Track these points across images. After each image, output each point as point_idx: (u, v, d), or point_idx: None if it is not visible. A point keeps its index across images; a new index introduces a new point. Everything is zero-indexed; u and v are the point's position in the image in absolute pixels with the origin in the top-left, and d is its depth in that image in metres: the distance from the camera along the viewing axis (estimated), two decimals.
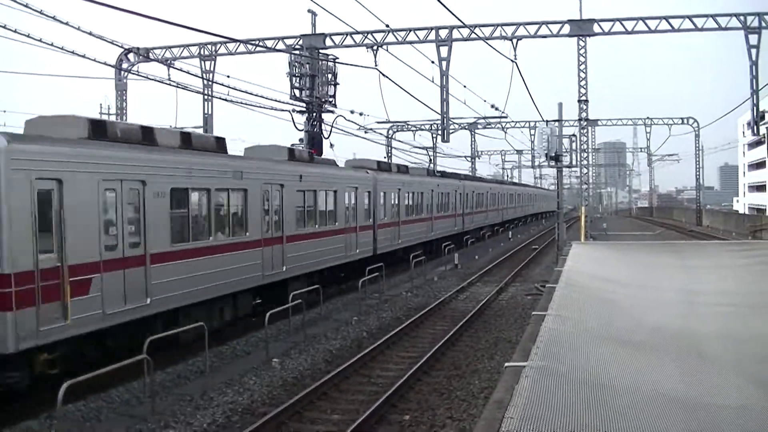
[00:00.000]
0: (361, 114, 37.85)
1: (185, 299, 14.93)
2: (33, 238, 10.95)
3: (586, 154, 45.57)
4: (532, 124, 65.62)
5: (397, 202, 29.84)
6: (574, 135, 33.82)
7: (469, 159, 76.34)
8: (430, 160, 57.79)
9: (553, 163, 30.69)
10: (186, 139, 16.10)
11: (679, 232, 62.11)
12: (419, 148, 56.19)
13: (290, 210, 19.73)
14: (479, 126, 63.52)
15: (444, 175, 42.83)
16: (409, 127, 61.22)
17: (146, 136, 14.79)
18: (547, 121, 32.45)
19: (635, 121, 69.64)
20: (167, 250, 14.35)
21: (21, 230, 10.77)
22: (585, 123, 42.20)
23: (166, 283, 14.18)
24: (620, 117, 68.40)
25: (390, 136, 60.22)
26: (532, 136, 66.47)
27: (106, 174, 12.68)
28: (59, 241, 11.49)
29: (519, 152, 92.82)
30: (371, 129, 48.12)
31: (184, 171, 15.03)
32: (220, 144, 17.41)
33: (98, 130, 13.46)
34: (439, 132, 36.53)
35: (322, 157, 27.57)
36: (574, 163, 33.59)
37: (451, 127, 47.04)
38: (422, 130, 61.28)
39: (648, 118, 68.78)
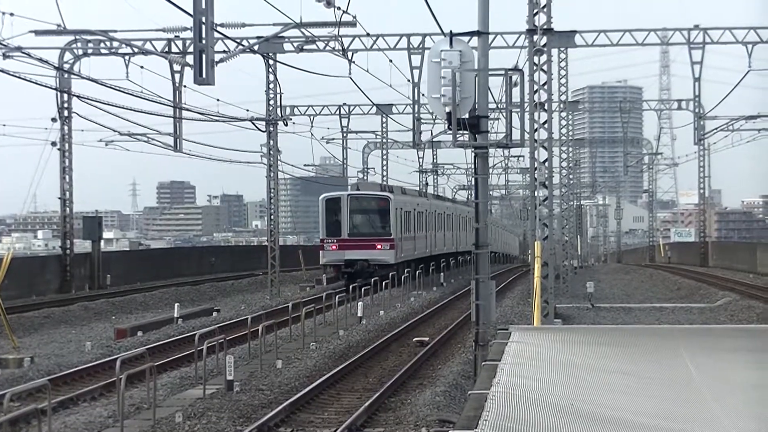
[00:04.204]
0: None
1: (418, 255, 74.22)
2: (398, 227, 67.31)
3: (546, 116, 35.98)
4: (414, 41, 53.07)
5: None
6: (518, 69, 27.52)
7: (258, 126, 57.85)
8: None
9: (465, 137, 24.48)
10: (419, 192, 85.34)
11: None
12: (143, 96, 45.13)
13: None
14: (290, 47, 51.27)
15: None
16: (118, 46, 49.59)
17: (401, 189, 75.39)
18: (451, 36, 25.38)
19: (664, 33, 53.89)
20: (408, 236, 71.85)
21: (395, 224, 66.62)
22: (544, 37, 33.39)
23: (407, 249, 70.78)
24: (630, 27, 53.39)
25: (63, 64, 50.40)
26: (416, 72, 53.80)
27: (403, 205, 69.79)
28: (396, 228, 68.12)
29: (382, 111, 74.77)
30: (20, 49, 41.93)
31: (417, 205, 75.40)
32: (436, 195, 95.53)
33: (383, 186, 73.16)
34: (189, 60, 33.30)
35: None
36: (516, 137, 26.15)
37: (222, 49, 42.13)
38: (149, 53, 49.71)
39: (697, 26, 53.82)
